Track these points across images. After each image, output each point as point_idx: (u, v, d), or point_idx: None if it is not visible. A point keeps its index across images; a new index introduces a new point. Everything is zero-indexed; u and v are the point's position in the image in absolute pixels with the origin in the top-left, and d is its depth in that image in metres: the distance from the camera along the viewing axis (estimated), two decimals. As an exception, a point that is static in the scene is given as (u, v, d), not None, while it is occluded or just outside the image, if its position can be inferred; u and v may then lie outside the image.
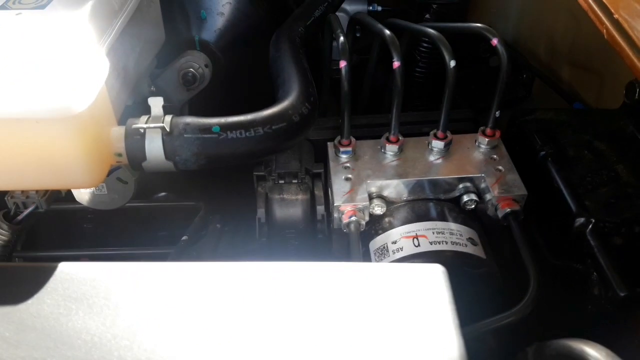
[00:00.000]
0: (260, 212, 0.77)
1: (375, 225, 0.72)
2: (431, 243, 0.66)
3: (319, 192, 0.78)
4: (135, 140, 0.59)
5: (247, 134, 0.61)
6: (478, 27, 0.72)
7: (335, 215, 0.71)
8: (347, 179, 0.73)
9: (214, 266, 0.50)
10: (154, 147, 0.59)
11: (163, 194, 0.87)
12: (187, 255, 0.78)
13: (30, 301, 0.46)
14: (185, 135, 0.59)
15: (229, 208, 0.87)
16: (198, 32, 0.84)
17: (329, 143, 0.77)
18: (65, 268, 0.49)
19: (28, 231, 0.80)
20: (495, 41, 0.69)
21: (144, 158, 0.59)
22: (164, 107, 0.61)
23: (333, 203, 0.71)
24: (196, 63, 0.81)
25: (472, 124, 0.82)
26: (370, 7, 1.16)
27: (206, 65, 0.82)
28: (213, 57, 0.83)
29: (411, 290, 0.47)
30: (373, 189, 0.72)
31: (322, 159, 0.79)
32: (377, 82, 0.97)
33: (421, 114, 0.84)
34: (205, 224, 0.85)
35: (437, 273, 0.48)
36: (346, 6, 1.14)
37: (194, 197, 0.87)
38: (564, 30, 0.95)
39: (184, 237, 0.79)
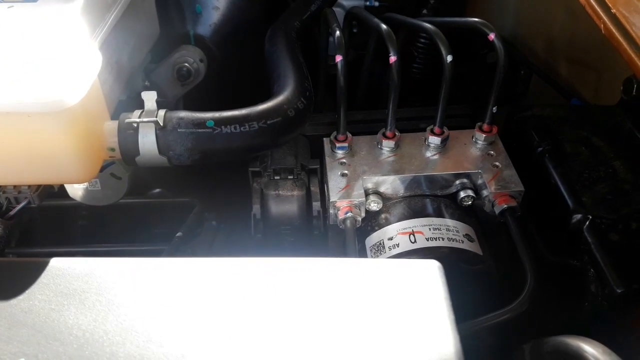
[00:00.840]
0: (256, 208, 0.77)
1: (372, 222, 0.71)
2: (427, 239, 0.66)
3: (314, 188, 0.78)
4: (129, 134, 0.58)
5: (242, 128, 0.60)
6: (475, 21, 0.71)
7: (331, 211, 0.70)
8: (343, 174, 0.72)
9: (208, 262, 0.50)
10: (148, 142, 0.58)
11: (157, 190, 0.86)
12: (181, 252, 0.78)
13: (21, 297, 0.46)
14: (179, 130, 0.59)
15: (224, 204, 0.86)
16: (193, 26, 0.84)
17: (324, 139, 0.77)
18: (57, 263, 0.48)
19: (21, 228, 0.79)
20: (492, 36, 0.68)
21: (137, 153, 0.59)
22: (157, 102, 0.61)
23: (329, 199, 0.70)
24: (191, 58, 0.81)
25: (469, 119, 0.82)
26: (367, 2, 1.15)
27: (201, 60, 0.81)
28: (208, 51, 0.83)
29: (407, 286, 0.46)
30: (369, 185, 0.72)
31: (318, 155, 0.79)
32: (373, 78, 0.96)
33: (418, 110, 0.84)
34: (201, 220, 0.84)
35: (432, 269, 0.48)
36: (343, 1, 1.14)
37: (189, 193, 0.86)
38: (561, 26, 0.95)
39: (178, 234, 0.78)
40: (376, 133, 0.76)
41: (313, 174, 0.79)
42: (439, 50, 0.68)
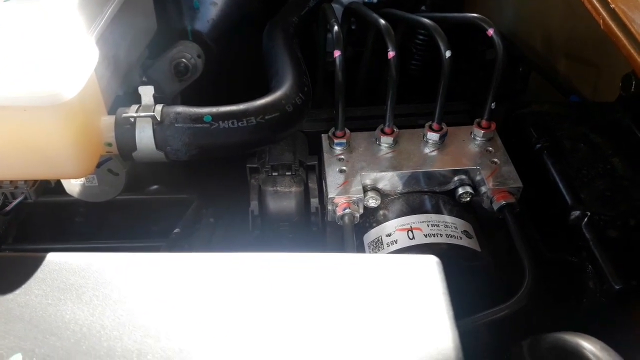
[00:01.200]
0: (254, 204, 0.76)
1: (370, 218, 0.71)
2: (426, 236, 0.66)
3: (312, 185, 0.78)
4: (126, 129, 0.58)
5: (240, 124, 0.60)
6: (474, 17, 0.71)
7: (329, 207, 0.70)
8: (341, 171, 0.72)
9: (205, 257, 0.50)
10: (145, 137, 0.58)
11: (155, 186, 0.85)
12: (179, 248, 0.77)
13: (18, 291, 0.46)
14: (176, 125, 0.58)
15: (222, 201, 0.86)
16: (191, 22, 0.83)
17: (323, 135, 0.77)
18: (54, 258, 0.48)
19: (18, 223, 0.79)
20: (491, 31, 0.68)
21: (134, 148, 0.58)
22: (155, 97, 0.60)
23: (327, 195, 0.70)
24: (188, 53, 0.80)
25: (468, 116, 0.81)
26: (366, -2, 1.14)
27: (199, 56, 0.81)
28: (206, 47, 0.82)
29: (405, 281, 0.46)
30: (367, 181, 0.71)
31: (316, 151, 0.79)
32: (372, 74, 0.96)
33: (416, 106, 0.83)
34: (198, 217, 0.84)
35: (431, 264, 0.48)
36: (341, -4, 1.13)
37: (186, 189, 0.86)
38: (560, 22, 0.95)
39: (176, 230, 0.78)
40: (374, 129, 0.76)
41: (311, 170, 0.79)
42: (437, 46, 0.68)
